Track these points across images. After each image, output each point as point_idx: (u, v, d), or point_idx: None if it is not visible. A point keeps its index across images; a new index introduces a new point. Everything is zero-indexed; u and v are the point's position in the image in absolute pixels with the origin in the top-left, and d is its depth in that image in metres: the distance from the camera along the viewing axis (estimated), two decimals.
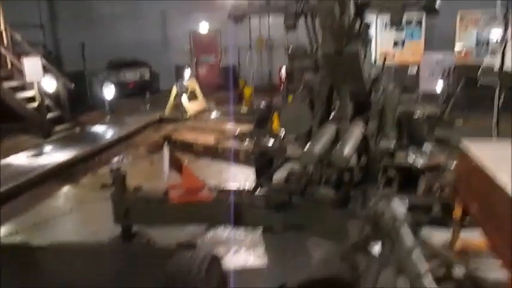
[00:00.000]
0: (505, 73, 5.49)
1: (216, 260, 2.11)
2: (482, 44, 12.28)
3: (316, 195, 3.70)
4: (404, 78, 12.27)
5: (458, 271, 3.55)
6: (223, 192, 4.20)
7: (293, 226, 4.18)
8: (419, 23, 12.97)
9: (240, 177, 6.70)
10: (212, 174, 6.83)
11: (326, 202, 3.75)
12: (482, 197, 3.04)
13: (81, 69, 14.57)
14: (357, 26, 3.16)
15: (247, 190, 4.17)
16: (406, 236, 2.13)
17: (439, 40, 13.09)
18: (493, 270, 3.26)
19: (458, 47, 12.42)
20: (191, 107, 11.62)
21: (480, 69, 5.66)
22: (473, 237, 3.61)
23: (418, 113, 4.17)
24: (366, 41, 3.49)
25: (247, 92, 13.30)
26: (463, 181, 3.49)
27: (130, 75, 16.09)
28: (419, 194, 3.82)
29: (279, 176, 4.81)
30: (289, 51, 4.07)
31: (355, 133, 3.42)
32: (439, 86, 10.86)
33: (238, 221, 4.16)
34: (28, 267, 3.62)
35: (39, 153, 8.51)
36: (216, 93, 15.09)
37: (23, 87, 10.19)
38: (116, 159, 8.31)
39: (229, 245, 4.61)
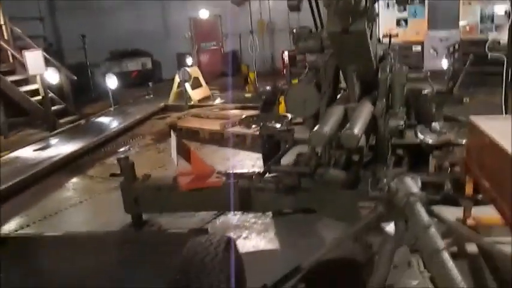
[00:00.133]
0: None
1: (231, 243, 2.10)
2: (487, 19, 12.14)
3: (326, 177, 3.68)
4: (409, 57, 12.17)
5: (471, 247, 3.55)
6: (233, 178, 4.19)
7: (303, 209, 4.18)
8: (423, 1, 12.83)
9: (247, 163, 6.70)
10: (219, 160, 6.83)
11: (336, 183, 3.74)
12: (495, 173, 3.01)
13: (82, 61, 14.54)
14: (363, 3, 3.10)
15: (257, 174, 4.15)
16: (421, 213, 2.11)
17: (442, 18, 12.95)
18: (505, 245, 3.24)
19: (462, 22, 12.29)
20: (195, 94, 11.58)
21: (488, 44, 5.59)
22: (485, 213, 3.61)
23: (427, 91, 4.13)
24: (372, 19, 3.43)
25: (251, 77, 13.24)
26: (474, 158, 3.46)
27: (132, 65, 16.05)
28: (430, 172, 3.79)
29: (287, 159, 4.80)
30: (294, 32, 4.01)
31: (364, 113, 3.39)
32: (444, 63, 10.76)
33: (248, 205, 4.16)
34: (40, 257, 3.63)
35: (46, 147, 8.52)
36: (218, 80, 15.04)
37: (26, 81, 10.17)
38: (122, 149, 8.32)
39: (239, 230, 4.62)
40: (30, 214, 5.63)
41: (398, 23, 13.33)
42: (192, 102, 11.19)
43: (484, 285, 3.18)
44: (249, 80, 12.50)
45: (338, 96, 4.16)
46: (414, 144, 4.17)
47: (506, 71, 5.34)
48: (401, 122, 3.69)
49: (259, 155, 6.54)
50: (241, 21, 15.52)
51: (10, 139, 9.14)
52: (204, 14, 15.80)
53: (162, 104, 11.54)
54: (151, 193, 4.32)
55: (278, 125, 4.66)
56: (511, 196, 2.58)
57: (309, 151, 4.10)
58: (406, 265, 2.59)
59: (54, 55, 11.65)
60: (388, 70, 3.80)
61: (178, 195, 4.17)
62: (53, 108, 10.30)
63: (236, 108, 9.77)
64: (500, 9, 11.88)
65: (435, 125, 4.17)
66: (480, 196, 3.40)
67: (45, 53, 10.22)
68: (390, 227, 2.85)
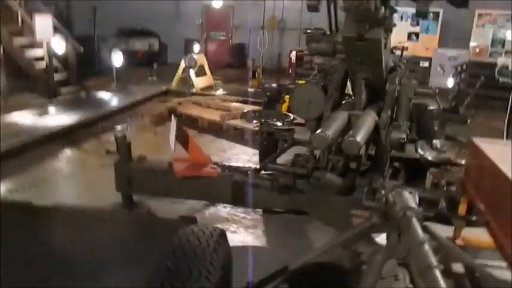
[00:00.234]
0: None
1: (223, 235, 2.08)
2: (498, 43, 12.16)
3: (322, 181, 3.67)
4: (416, 72, 12.17)
5: (457, 267, 3.55)
6: (228, 170, 4.17)
7: (296, 210, 4.17)
8: (436, 17, 12.81)
9: (242, 157, 6.68)
10: (215, 151, 6.80)
11: (331, 188, 3.73)
12: (492, 196, 3.01)
13: (90, 33, 14.43)
14: (382, 11, 3.08)
15: (253, 170, 4.13)
16: (417, 228, 2.10)
17: (454, 36, 12.94)
18: (493, 268, 3.25)
19: (473, 43, 12.31)
20: (198, 82, 11.53)
21: (498, 68, 5.59)
22: (474, 235, 3.62)
23: (433, 107, 4.12)
24: (389, 28, 3.42)
25: (254, 72, 13.19)
26: (471, 179, 3.46)
27: (140, 45, 15.96)
28: (427, 189, 3.79)
29: (283, 159, 4.78)
30: (308, 32, 3.98)
31: (368, 121, 3.37)
32: (450, 82, 10.77)
33: (241, 200, 4.15)
34: (28, 225, 3.60)
35: (44, 113, 8.48)
36: (223, 71, 14.98)
37: (32, 45, 10.08)
38: (119, 127, 8.25)
39: (228, 223, 4.60)
40: (20, 179, 5.60)
41: (409, 36, 13.32)
42: (195, 90, 11.14)
43: None
44: (256, 74, 12.45)
45: (343, 101, 4.14)
46: (412, 159, 4.17)
47: None
48: (404, 136, 3.67)
49: (256, 151, 6.53)
50: (253, 16, 15.45)
51: (9, 102, 9.06)
52: (217, 3, 15.72)
53: (164, 88, 11.49)
54: (145, 175, 4.30)
55: (279, 124, 4.63)
56: (506, 222, 2.58)
57: (308, 153, 4.08)
58: (393, 278, 2.59)
59: (63, 23, 11.53)
60: (397, 82, 3.78)
61: (172, 181, 4.15)
62: (55, 76, 10.22)
63: (238, 101, 9.73)
64: (510, 35, 11.91)
65: (436, 142, 4.17)
66: (473, 217, 3.40)
67: (55, 20, 10.13)
68: (381, 238, 2.84)
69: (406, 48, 12.51)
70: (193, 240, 1.81)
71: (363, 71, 3.66)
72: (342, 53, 3.88)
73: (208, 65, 12.39)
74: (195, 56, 11.02)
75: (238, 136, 7.63)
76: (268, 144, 5.08)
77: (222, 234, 2.05)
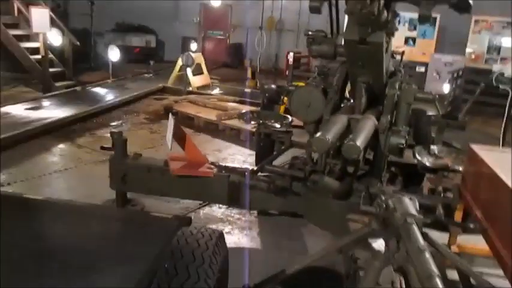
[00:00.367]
0: None
1: (222, 237, 2.05)
2: (494, 49, 12.22)
3: (320, 184, 3.64)
4: (412, 77, 12.19)
5: (452, 273, 3.55)
6: (225, 170, 4.13)
7: (292, 212, 4.14)
8: (434, 22, 12.83)
9: (238, 158, 6.64)
10: (210, 151, 6.76)
11: (328, 192, 3.70)
12: (489, 203, 3.01)
13: (87, 27, 14.34)
14: (385, 15, 3.06)
15: (250, 171, 4.10)
16: (417, 235, 2.08)
17: (451, 42, 12.99)
18: (488, 276, 3.25)
19: (469, 49, 12.36)
20: (195, 80, 11.48)
21: (495, 75, 5.61)
22: (470, 241, 3.61)
23: (432, 113, 4.11)
24: (391, 32, 3.40)
25: (251, 72, 13.16)
26: (469, 185, 3.46)
27: (136, 41, 15.90)
28: (424, 195, 3.78)
29: (279, 161, 4.76)
30: (309, 33, 3.95)
31: (368, 125, 3.34)
32: (446, 88, 10.79)
33: (237, 201, 4.11)
34: (20, 218, 3.53)
35: (38, 107, 8.41)
36: (220, 70, 14.95)
37: (27, 38, 9.99)
38: (115, 123, 8.21)
39: (222, 223, 4.57)
40: (13, 173, 5.53)
41: (406, 41, 13.33)
42: (191, 88, 11.10)
43: None
44: (253, 74, 12.43)
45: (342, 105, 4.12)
46: (409, 164, 4.16)
47: (510, 103, 5.35)
48: (403, 141, 3.66)
49: (252, 152, 6.50)
50: (251, 16, 15.44)
51: (2, 94, 8.97)
52: (216, 2, 15.70)
53: (160, 85, 11.42)
54: (140, 173, 4.25)
55: (277, 125, 4.59)
56: (503, 229, 2.57)
57: (306, 156, 4.05)
58: (389, 284, 2.57)
59: (60, 17, 11.45)
60: (397, 87, 3.76)
61: (167, 180, 4.10)
62: (51, 70, 10.14)
63: (234, 101, 9.70)
64: (507, 42, 11.96)
65: (434, 148, 4.16)
66: (470, 224, 3.39)
67: (51, 13, 10.04)
68: (377, 244, 2.82)
69: (403, 53, 12.66)
70: (192, 243, 1.77)
71: (363, 75, 3.64)
72: (343, 56, 3.86)
73: (205, 63, 12.35)
74: (192, 55, 10.97)
75: (234, 136, 7.60)
76: (265, 146, 5.05)
77: (221, 236, 2.02)
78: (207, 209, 4.81)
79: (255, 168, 4.15)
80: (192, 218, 4.45)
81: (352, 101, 4.06)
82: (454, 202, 3.53)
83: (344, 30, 3.35)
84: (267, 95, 4.95)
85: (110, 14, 15.17)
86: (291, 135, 4.63)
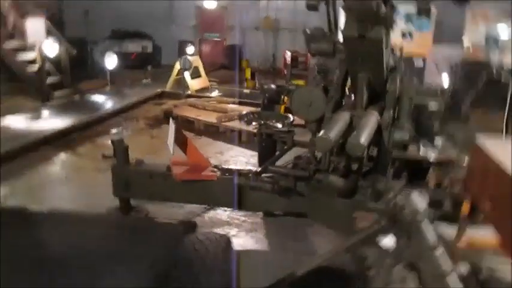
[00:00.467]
0: None
1: (229, 243, 2.02)
2: (492, 41, 12.16)
3: (324, 183, 3.61)
4: (412, 71, 12.15)
5: (463, 269, 3.51)
6: (228, 173, 4.10)
7: (297, 213, 4.11)
8: (430, 15, 12.77)
9: (241, 159, 6.61)
10: (212, 153, 6.72)
11: (333, 190, 3.67)
12: (497, 195, 2.97)
13: (82, 36, 14.30)
14: (383, 9, 3.03)
15: (254, 173, 4.06)
16: (429, 232, 2.05)
17: (448, 34, 12.93)
18: (497, 269, 3.21)
19: (466, 42, 12.30)
20: (193, 84, 11.44)
21: (496, 67, 5.58)
22: (479, 235, 3.58)
23: (434, 106, 4.08)
24: (390, 27, 3.37)
25: (249, 73, 13.13)
26: (475, 177, 3.42)
27: (133, 47, 15.83)
28: (430, 189, 3.74)
29: (282, 160, 4.72)
30: (308, 31, 3.92)
31: (371, 122, 3.32)
32: (445, 81, 10.76)
33: (241, 203, 4.08)
34: (23, 231, 3.51)
35: (37, 117, 8.37)
36: (218, 72, 14.91)
37: (23, 49, 9.95)
38: (115, 130, 8.18)
39: (228, 226, 4.53)
40: (15, 185, 5.50)
41: (403, 35, 13.27)
42: (190, 92, 11.06)
43: None
44: (249, 75, 12.40)
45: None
46: (414, 159, 4.12)
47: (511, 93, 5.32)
48: (407, 136, 3.63)
49: (254, 153, 6.47)
50: (247, 16, 15.43)
51: (1, 105, 8.94)
52: (211, 4, 15.67)
53: (159, 90, 11.39)
54: (143, 179, 4.23)
55: (279, 125, 4.56)
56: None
57: (309, 155, 4.02)
58: (401, 281, 2.53)
59: (55, 26, 11.41)
60: (398, 81, 3.73)
61: (171, 185, 4.08)
62: (48, 79, 10.10)
63: (234, 102, 9.67)
64: (503, 32, 11.90)
65: (437, 141, 4.12)
66: (478, 218, 3.36)
67: (47, 23, 10.01)
68: (386, 241, 2.78)
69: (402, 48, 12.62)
70: (201, 249, 1.74)
71: (364, 71, 3.61)
72: (342, 53, 3.82)
73: (203, 66, 12.32)
74: (189, 58, 10.94)
75: (235, 138, 7.56)
76: (267, 146, 5.02)
77: (228, 241, 1.99)
78: (211, 213, 4.78)
79: (259, 169, 4.11)
80: (198, 222, 4.47)
81: (353, 97, 4.03)
82: (460, 195, 3.49)
83: (342, 27, 3.32)
84: (267, 95, 4.90)
85: (105, 21, 15.13)
86: (293, 134, 4.60)
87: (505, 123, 5.52)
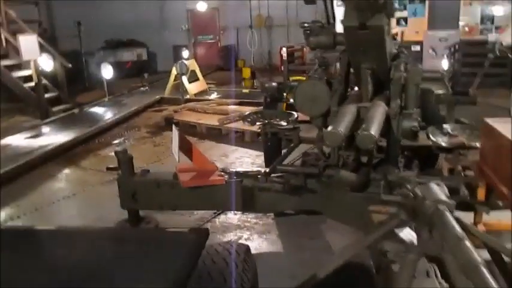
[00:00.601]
0: None
1: (248, 251, 1.95)
2: (487, 20, 12.06)
3: (336, 178, 3.53)
4: (410, 57, 12.04)
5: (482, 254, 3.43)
6: (236, 176, 4.02)
7: (309, 210, 4.04)
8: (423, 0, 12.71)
9: (246, 160, 6.54)
10: (217, 156, 6.65)
11: (345, 185, 3.59)
12: None
13: (76, 48, 14.24)
14: None
15: (263, 173, 3.98)
16: (453, 223, 1.97)
17: (443, 17, 12.81)
18: None
19: (462, 22, 12.20)
20: (192, 87, 11.38)
21: (497, 46, 5.50)
22: (495, 218, 3.50)
23: (441, 91, 3.99)
24: (391, 14, 3.28)
25: (247, 72, 13.06)
26: (489, 161, 3.34)
27: (128, 55, 15.82)
28: (444, 176, 3.66)
29: (289, 159, 4.65)
30: (305, 25, 3.83)
31: (379, 112, 3.23)
32: (444, 64, 10.66)
33: (251, 205, 4.00)
34: (31, 251, 3.44)
35: (37, 135, 8.31)
36: (215, 74, 14.85)
37: (19, 66, 9.90)
38: (117, 141, 8.11)
39: (240, 230, 4.46)
40: (21, 205, 5.44)
41: (398, 21, 13.17)
42: (189, 96, 11.00)
43: None
44: (250, 74, 12.32)
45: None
46: (423, 146, 4.04)
47: None
48: (416, 123, 3.54)
49: (258, 153, 6.40)
50: (239, 16, 15.36)
51: (1, 125, 8.89)
52: (202, 6, 15.59)
53: (157, 97, 11.34)
54: (150, 189, 4.14)
55: (284, 123, 4.48)
56: None
57: (317, 151, 3.94)
58: (423, 275, 2.45)
59: (48, 41, 11.35)
60: (402, 69, 3.64)
61: (179, 192, 4.00)
62: (45, 95, 10.04)
63: (234, 103, 9.59)
64: (498, 11, 11.81)
65: (447, 127, 4.04)
66: (496, 201, 3.28)
67: (39, 38, 9.95)
68: (405, 234, 2.70)
69: (396, 34, 12.51)
70: (220, 262, 1.67)
71: (367, 61, 3.51)
72: (343, 45, 3.74)
73: (199, 69, 12.25)
74: (186, 62, 10.87)
75: (238, 139, 7.48)
76: (272, 145, 4.94)
77: (248, 250, 1.91)
78: (222, 217, 4.70)
79: (267, 170, 4.03)
80: (209, 227, 4.39)
81: (356, 89, 3.95)
82: (475, 180, 3.41)
83: (343, 18, 3.23)
84: (268, 93, 4.82)
85: (98, 32, 15.07)
86: (298, 131, 4.51)
87: None
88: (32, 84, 9.75)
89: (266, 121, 4.54)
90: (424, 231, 2.22)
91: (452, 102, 4.30)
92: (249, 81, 12.31)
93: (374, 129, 2.85)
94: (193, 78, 11.66)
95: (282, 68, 13.25)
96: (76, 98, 11.51)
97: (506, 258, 2.85)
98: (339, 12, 3.67)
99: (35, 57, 9.59)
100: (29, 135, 8.27)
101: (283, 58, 13.05)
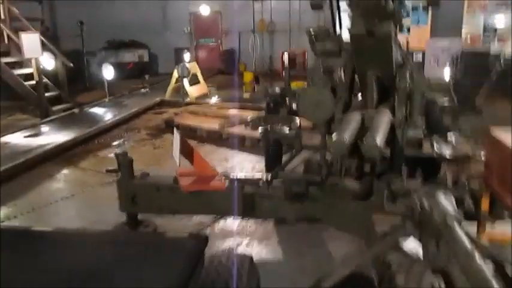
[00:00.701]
0: None
1: (252, 262, 1.90)
2: (490, 29, 12.05)
3: (340, 187, 3.49)
4: (415, 65, 12.02)
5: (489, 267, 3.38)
6: (237, 181, 3.98)
7: (310, 218, 3.99)
8: (426, 8, 12.69)
9: (246, 165, 6.49)
10: (217, 161, 6.60)
11: (348, 194, 3.55)
12: None
13: (78, 48, 14.22)
14: (390, 5, 2.91)
15: (265, 180, 3.94)
16: (462, 236, 1.93)
17: (446, 26, 12.81)
18: None
19: (465, 32, 12.19)
20: (192, 90, 11.34)
21: (502, 57, 5.47)
22: (499, 230, 3.46)
23: (446, 101, 3.96)
24: (398, 21, 3.25)
25: (248, 76, 13.03)
26: (494, 171, 3.31)
27: (129, 56, 15.80)
28: (449, 187, 3.62)
29: (290, 165, 4.60)
30: (311, 31, 3.80)
31: (384, 121, 3.19)
32: (446, 74, 10.64)
33: (251, 211, 3.96)
34: (29, 252, 3.39)
35: (37, 134, 8.26)
36: (216, 77, 14.82)
37: (20, 64, 9.86)
38: (116, 142, 8.06)
39: (240, 236, 4.41)
40: (18, 204, 5.38)
41: (401, 29, 13.14)
42: (189, 99, 10.95)
43: None
44: (244, 79, 12.31)
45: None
46: (429, 156, 4.00)
47: None
48: (421, 133, 3.50)
49: (259, 158, 6.36)
50: (241, 20, 15.35)
51: (0, 123, 8.84)
52: (204, 9, 15.58)
53: (158, 99, 11.30)
54: (150, 192, 4.10)
55: (286, 129, 4.44)
56: None
57: (320, 159, 3.90)
58: (429, 287, 2.41)
59: (50, 40, 11.32)
60: (407, 77, 3.61)
61: (179, 197, 3.96)
62: (46, 94, 10.00)
63: (235, 107, 9.55)
64: (500, 21, 11.79)
65: (451, 137, 4.00)
66: (499, 212, 3.25)
67: (42, 37, 9.92)
68: (409, 245, 2.66)
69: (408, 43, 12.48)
70: (224, 273, 1.62)
71: (372, 69, 3.48)
72: (349, 52, 3.70)
73: (200, 72, 12.21)
74: (187, 65, 10.83)
75: (239, 143, 7.43)
76: (274, 151, 4.90)
77: (251, 261, 1.86)
78: (222, 223, 4.65)
79: (268, 176, 3.99)
80: (208, 233, 4.34)
81: (361, 96, 3.91)
82: (480, 191, 3.38)
83: (350, 25, 3.19)
84: (272, 98, 4.78)
85: (100, 32, 15.06)
86: (301, 138, 4.47)
87: None
88: (33, 82, 9.71)
89: (268, 126, 4.50)
90: (431, 243, 2.18)
91: (457, 111, 4.27)
92: (249, 85, 12.27)
93: (379, 138, 2.81)
94: (194, 81, 11.62)
95: (283, 74, 13.24)
96: (76, 98, 11.47)
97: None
98: (345, 18, 3.64)
99: (37, 55, 9.55)
100: (28, 133, 8.22)
101: (285, 63, 13.04)
